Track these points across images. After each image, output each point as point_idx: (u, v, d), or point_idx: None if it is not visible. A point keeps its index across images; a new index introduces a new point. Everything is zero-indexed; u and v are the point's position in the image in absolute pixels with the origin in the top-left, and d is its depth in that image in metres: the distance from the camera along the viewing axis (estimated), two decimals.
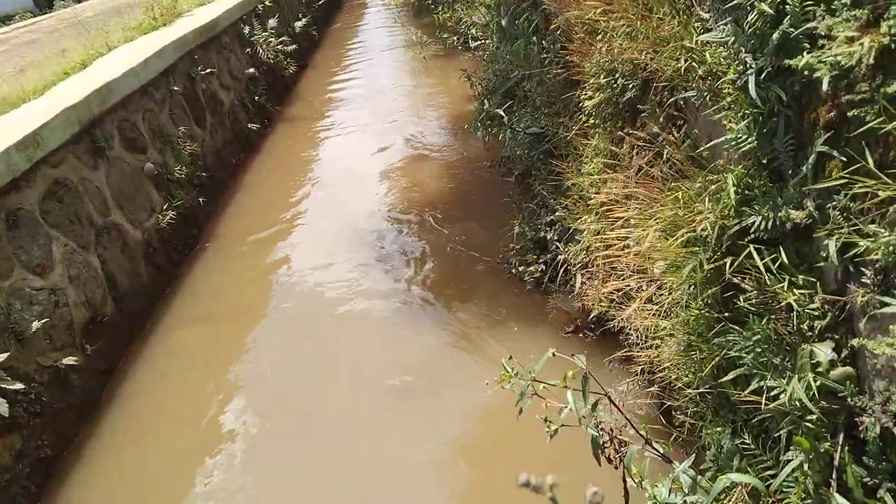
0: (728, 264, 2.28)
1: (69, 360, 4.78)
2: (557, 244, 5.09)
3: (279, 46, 10.58)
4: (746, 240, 2.29)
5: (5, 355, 4.22)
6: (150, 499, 4.25)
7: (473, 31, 9.69)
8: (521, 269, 5.45)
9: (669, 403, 3.19)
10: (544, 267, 5.25)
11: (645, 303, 3.36)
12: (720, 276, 2.38)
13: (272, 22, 10.82)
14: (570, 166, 4.64)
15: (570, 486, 3.48)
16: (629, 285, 3.33)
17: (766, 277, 2.13)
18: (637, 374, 3.55)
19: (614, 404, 2.62)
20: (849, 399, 1.95)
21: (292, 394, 4.92)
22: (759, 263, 2.13)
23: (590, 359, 4.51)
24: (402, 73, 11.97)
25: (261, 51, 10.11)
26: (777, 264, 2.17)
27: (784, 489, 2.18)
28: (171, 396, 5.09)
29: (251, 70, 9.77)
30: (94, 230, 5.65)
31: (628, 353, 3.59)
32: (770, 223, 2.17)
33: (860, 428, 1.95)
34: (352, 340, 5.44)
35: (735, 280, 2.28)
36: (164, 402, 5.04)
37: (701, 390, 2.85)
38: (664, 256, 2.65)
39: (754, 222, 2.22)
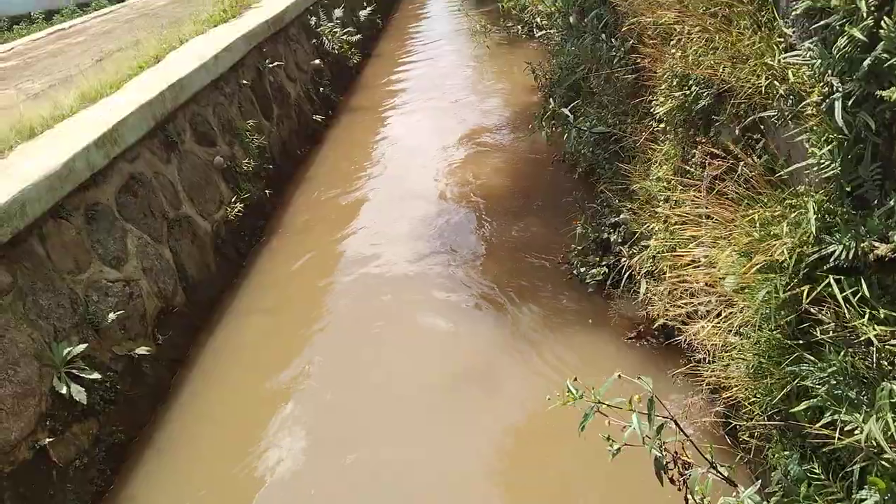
0: (805, 293, 2.21)
1: (142, 350, 4.98)
2: (621, 247, 5.01)
3: (344, 37, 10.67)
4: (826, 268, 2.21)
5: (84, 346, 4.44)
6: (216, 482, 4.41)
7: (538, 19, 9.56)
8: (582, 270, 5.40)
9: (736, 423, 3.12)
10: (607, 270, 5.18)
11: (714, 318, 3.29)
12: (796, 304, 2.31)
13: (338, 12, 10.92)
14: (637, 169, 4.56)
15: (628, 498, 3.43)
16: (698, 302, 3.25)
17: (846, 310, 2.05)
18: (702, 391, 3.48)
19: (680, 429, 2.59)
20: None
21: (347, 388, 5.01)
22: (839, 296, 2.06)
23: (652, 367, 4.49)
24: (464, 62, 11.93)
25: (326, 41, 10.22)
26: (858, 297, 2.09)
27: None
28: (232, 388, 5.25)
29: (317, 61, 9.89)
30: (166, 223, 5.84)
31: (694, 369, 3.51)
32: (852, 253, 2.09)
33: None
34: (410, 336, 5.49)
35: (812, 310, 2.21)
36: (226, 393, 5.20)
37: (769, 413, 2.78)
38: (739, 279, 2.58)
39: (834, 251, 2.14)
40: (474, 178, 7.77)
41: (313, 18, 10.20)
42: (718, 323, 3.27)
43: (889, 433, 1.92)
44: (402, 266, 6.44)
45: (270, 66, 8.32)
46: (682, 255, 3.00)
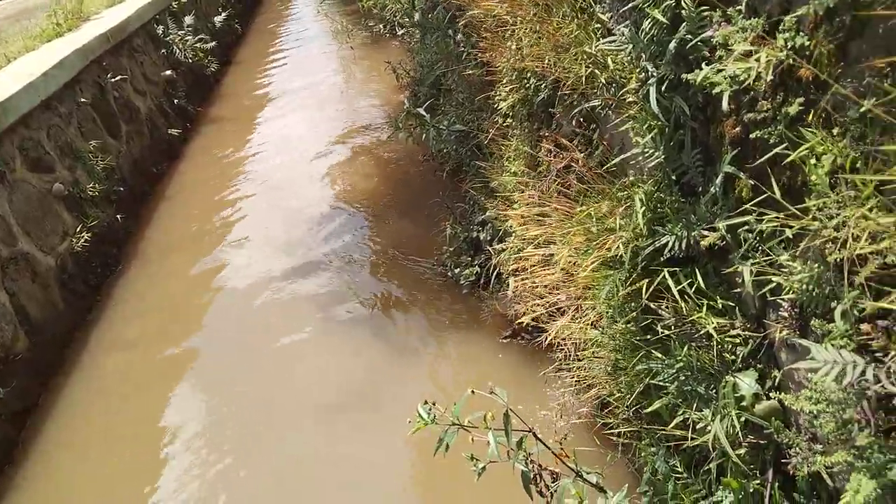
0: (644, 288, 2.11)
1: None
2: (489, 246, 4.91)
3: (198, 45, 10.09)
4: (662, 260, 2.12)
5: None
6: None
7: (399, 17, 9.41)
8: (456, 271, 5.26)
9: (602, 422, 3.04)
10: (479, 269, 5.07)
11: (573, 314, 3.20)
12: (638, 300, 2.22)
13: (189, 19, 10.32)
14: (493, 166, 4.45)
15: None
16: (556, 299, 3.15)
17: (683, 306, 1.96)
18: (571, 388, 3.40)
19: (539, 440, 2.45)
20: (775, 435, 1.81)
21: (220, 427, 4.65)
22: (674, 290, 1.96)
23: (528, 366, 4.39)
24: (330, 64, 11.58)
25: (178, 50, 9.61)
26: (694, 288, 2.01)
27: None
28: (93, 435, 4.77)
29: (168, 72, 9.29)
30: None
31: (561, 367, 3.42)
32: (684, 243, 2.01)
33: (789, 466, 1.81)
34: (287, 358, 5.18)
35: (652, 305, 2.12)
36: (87, 442, 4.71)
37: (632, 410, 2.70)
38: (583, 277, 2.47)
39: (667, 243, 2.05)
40: (346, 183, 7.50)
41: (160, 27, 9.57)
42: (576, 318, 3.18)
43: (735, 431, 1.84)
44: (276, 282, 6.10)
45: (114, 80, 7.70)
46: (529, 256, 2.88)
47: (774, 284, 1.59)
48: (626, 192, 2.20)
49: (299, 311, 5.64)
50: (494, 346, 4.68)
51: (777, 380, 1.84)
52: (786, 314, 1.63)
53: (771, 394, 1.85)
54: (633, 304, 2.26)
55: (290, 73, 11.62)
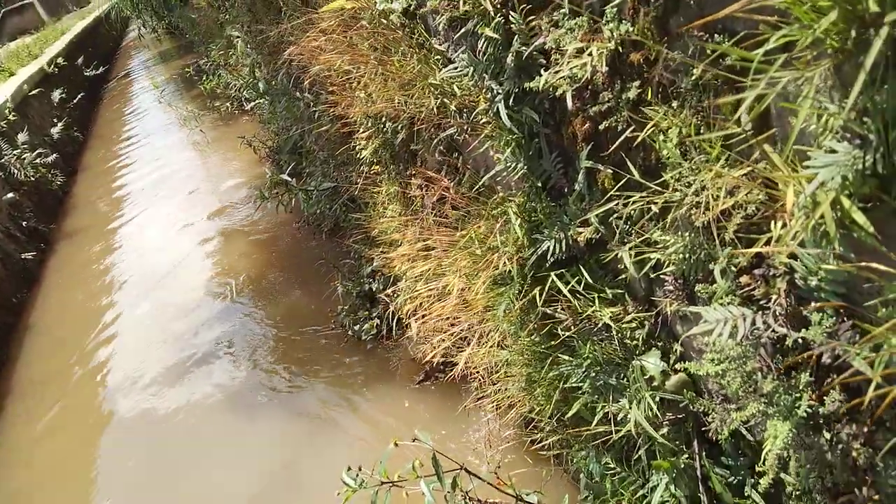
0: (538, 295, 2.14)
1: None
2: (384, 294, 4.86)
3: (37, 160, 9.54)
4: (548, 265, 2.16)
5: None
6: None
7: (245, 92, 9.32)
8: (356, 328, 5.16)
9: (530, 439, 3.03)
10: (378, 321, 5.00)
11: (478, 341, 3.21)
12: (535, 309, 2.24)
13: (22, 136, 9.74)
14: (371, 214, 4.44)
15: None
16: (457, 330, 3.15)
17: (576, 304, 2.00)
18: (494, 413, 3.38)
19: (472, 474, 2.41)
20: (691, 406, 1.86)
21: None
22: (564, 290, 2.00)
23: (448, 403, 4.35)
24: (183, 152, 11.27)
25: (16, 171, 9.04)
26: (583, 284, 2.05)
27: None
28: None
29: (10, 195, 8.70)
30: None
31: (479, 395, 3.41)
32: (563, 244, 2.06)
33: (710, 433, 1.86)
34: (196, 460, 4.87)
35: (548, 311, 2.15)
36: None
37: (556, 419, 2.71)
38: (478, 301, 2.48)
39: (548, 247, 2.10)
40: (223, 267, 7.24)
41: None
42: (481, 344, 3.19)
43: (652, 412, 1.88)
44: (167, 387, 5.75)
45: None
46: (422, 293, 2.86)
47: (654, 261, 1.64)
48: (499, 209, 2.24)
49: (196, 408, 5.34)
50: (410, 393, 4.60)
51: (679, 353, 1.90)
52: (671, 287, 1.69)
53: (677, 366, 1.91)
54: (531, 315, 2.28)
55: (143, 170, 11.20)
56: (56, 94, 12.22)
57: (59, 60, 13.36)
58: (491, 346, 3.01)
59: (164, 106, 13.72)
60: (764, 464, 1.40)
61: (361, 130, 3.53)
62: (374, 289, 5.07)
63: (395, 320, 4.60)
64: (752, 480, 1.83)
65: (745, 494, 1.85)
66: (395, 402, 4.58)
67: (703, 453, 1.91)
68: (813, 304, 1.19)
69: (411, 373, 4.70)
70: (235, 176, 9.70)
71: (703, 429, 1.92)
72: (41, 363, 6.82)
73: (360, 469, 2.40)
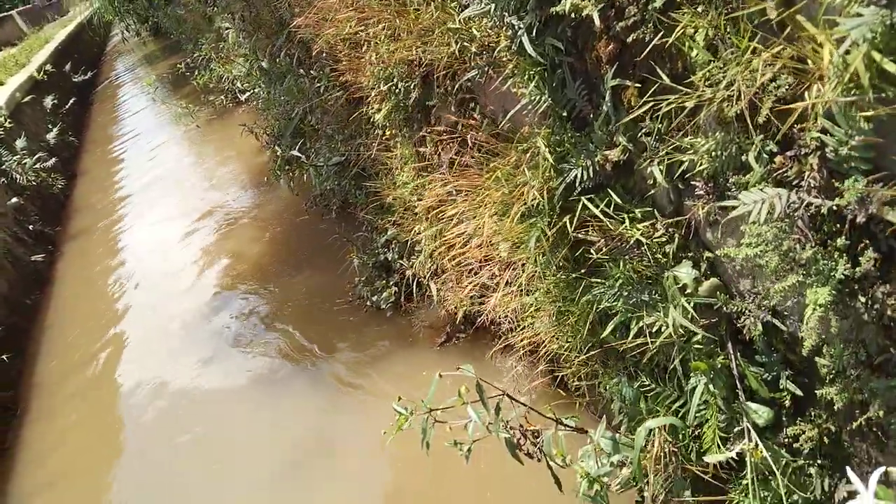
0: (568, 223, 2.24)
1: None
2: (400, 262, 4.97)
3: (37, 165, 9.59)
4: (575, 194, 2.27)
5: None
6: None
7: (239, 84, 9.36)
8: (374, 298, 5.27)
9: (561, 374, 3.15)
10: (396, 288, 5.10)
11: (504, 287, 3.31)
12: (566, 238, 2.35)
13: (20, 143, 9.79)
14: (384, 183, 4.53)
15: (504, 496, 3.33)
16: (484, 277, 3.25)
17: (607, 223, 2.10)
18: (522, 358, 3.50)
19: (514, 400, 2.52)
20: (724, 308, 1.97)
21: None
22: (597, 211, 2.11)
23: (471, 359, 4.47)
24: (181, 149, 11.33)
25: (18, 176, 9.10)
26: (612, 207, 2.16)
27: (697, 416, 2.18)
28: None
29: (14, 199, 8.77)
30: None
31: (506, 343, 3.51)
32: (590, 170, 2.16)
33: (744, 331, 1.97)
34: (226, 440, 4.97)
35: (580, 236, 2.25)
36: None
37: (586, 351, 2.83)
38: (507, 237, 2.58)
39: (576, 175, 2.20)
40: (236, 255, 7.32)
41: None
42: (508, 289, 3.29)
43: (689, 315, 1.99)
44: (192, 374, 5.83)
45: None
46: (451, 239, 2.97)
47: (683, 167, 1.75)
48: (526, 144, 2.34)
49: (225, 390, 5.44)
50: (433, 355, 4.71)
51: (709, 260, 2.01)
52: (702, 191, 1.79)
53: (707, 274, 2.02)
54: (560, 247, 2.39)
55: (140, 170, 11.25)
56: (48, 101, 12.25)
57: (48, 67, 13.36)
58: (517, 289, 3.12)
59: (156, 105, 13.75)
60: (802, 343, 1.51)
61: (373, 95, 3.61)
62: (389, 258, 5.17)
63: (414, 284, 4.70)
64: (786, 373, 1.94)
65: (780, 387, 1.96)
66: (419, 368, 4.68)
67: (738, 353, 2.02)
68: (845, 171, 1.29)
69: (433, 336, 4.81)
70: (234, 167, 9.77)
71: (737, 331, 2.04)
72: (59, 361, 6.91)
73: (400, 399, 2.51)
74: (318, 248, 6.55)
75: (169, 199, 9.62)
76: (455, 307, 4.21)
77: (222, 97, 10.40)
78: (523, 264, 2.97)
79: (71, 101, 13.47)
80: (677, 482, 2.65)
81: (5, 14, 26.71)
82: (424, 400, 2.44)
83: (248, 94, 8.96)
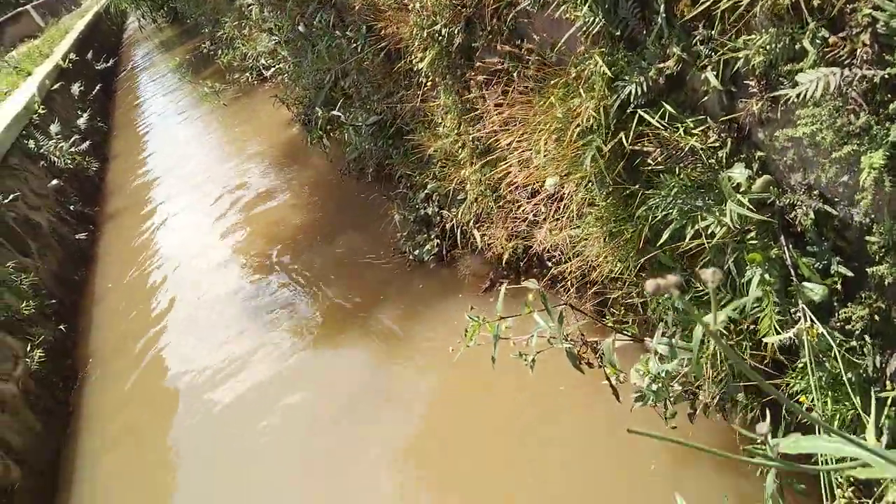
0: (624, 136, 2.40)
1: None
2: (441, 214, 5.14)
3: (73, 149, 9.87)
4: (629, 111, 2.42)
5: None
6: None
7: (263, 60, 9.53)
8: (416, 252, 5.45)
9: (612, 297, 3.32)
10: (437, 241, 5.28)
11: (551, 222, 3.48)
12: (621, 153, 2.51)
13: (54, 128, 10.07)
14: (424, 136, 4.69)
15: (563, 407, 3.53)
16: (530, 214, 3.42)
17: (663, 132, 2.26)
18: (569, 291, 3.66)
19: (575, 308, 2.70)
20: (777, 202, 2.12)
21: (253, 463, 4.64)
22: (653, 120, 2.26)
23: (516, 302, 4.67)
24: (208, 128, 11.54)
25: (56, 159, 9.38)
26: (667, 118, 2.31)
27: (753, 308, 2.34)
28: None
29: (55, 181, 9.06)
30: None
31: (552, 279, 3.68)
32: (645, 85, 2.31)
33: (795, 223, 2.13)
34: (280, 392, 5.19)
35: (636, 148, 2.41)
36: None
37: (637, 270, 2.99)
38: (557, 168, 2.74)
39: (630, 91, 2.35)
40: (272, 226, 7.53)
41: (31, 141, 9.32)
42: (555, 223, 3.46)
43: (745, 208, 2.15)
44: (242, 342, 6.02)
45: (6, 202, 7.47)
46: (504, 170, 3.13)
47: (738, 65, 1.90)
48: (579, 67, 2.49)
49: (275, 356, 5.61)
50: (478, 301, 4.88)
51: (761, 159, 2.16)
52: (755, 89, 1.94)
53: (759, 173, 2.17)
54: (617, 160, 2.55)
55: (170, 151, 11.50)
56: (75, 88, 12.53)
57: (72, 56, 13.62)
58: (567, 219, 3.29)
59: (181, 88, 13.97)
60: (859, 205, 1.67)
61: (415, 45, 3.77)
62: (429, 212, 5.34)
63: (458, 232, 4.87)
64: (837, 259, 2.10)
65: (831, 273, 2.12)
66: (464, 311, 4.86)
67: (790, 245, 2.18)
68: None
69: (476, 283, 4.99)
70: (263, 142, 9.95)
71: (788, 225, 2.19)
72: (110, 333, 7.19)
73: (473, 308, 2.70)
74: (357, 210, 6.74)
75: (200, 177, 9.84)
76: (500, 250, 4.39)
77: (247, 75, 10.59)
78: (572, 195, 3.14)
79: (96, 88, 13.74)
80: (731, 386, 2.83)
81: (21, 9, 27.04)
82: (492, 318, 2.63)
83: (273, 69, 9.14)
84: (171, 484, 4.95)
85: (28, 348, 6.09)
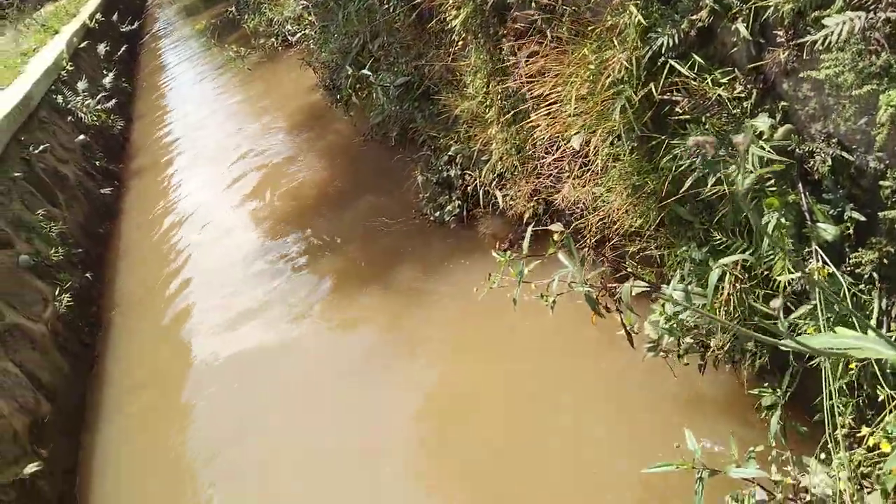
0: (654, 87, 2.53)
1: (31, 468, 4.47)
2: (464, 176, 5.27)
3: (99, 106, 10.03)
4: (659, 63, 2.54)
5: None
6: None
7: (289, 26, 9.62)
8: (437, 214, 5.59)
9: (630, 251, 3.45)
10: (459, 202, 5.41)
11: (574, 178, 3.61)
12: (649, 104, 2.63)
13: (82, 84, 10.22)
14: (451, 97, 4.81)
15: (579, 350, 3.69)
16: (554, 167, 3.55)
17: (692, 81, 2.38)
18: (588, 248, 3.80)
19: (597, 253, 2.84)
20: (797, 149, 2.25)
21: (267, 413, 4.82)
22: (683, 69, 2.38)
23: (533, 260, 4.80)
24: (231, 92, 11.65)
25: (83, 115, 9.55)
26: (696, 70, 2.43)
27: (768, 255, 2.48)
28: (141, 476, 4.86)
29: (81, 137, 9.23)
30: None
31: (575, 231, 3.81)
32: (676, 38, 2.43)
33: (813, 170, 2.26)
34: (303, 343, 5.35)
35: (664, 98, 2.54)
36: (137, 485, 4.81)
37: (657, 225, 3.13)
38: (585, 123, 2.87)
39: (662, 43, 2.47)
40: (296, 184, 7.67)
41: (59, 97, 9.48)
42: (578, 180, 3.60)
43: (765, 157, 2.28)
44: (263, 292, 6.17)
45: (36, 153, 7.65)
46: (535, 120, 3.26)
47: (769, 14, 2.02)
48: (613, 20, 2.61)
49: (301, 308, 5.76)
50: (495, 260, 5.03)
51: (784, 111, 2.28)
52: (782, 38, 2.07)
53: (781, 122, 2.30)
54: (647, 108, 2.68)
55: (192, 113, 11.59)
56: (101, 48, 12.67)
57: (98, 17, 13.76)
58: (591, 176, 3.42)
59: (205, 52, 14.09)
60: (875, 142, 1.79)
61: (450, 2, 3.88)
62: (452, 174, 5.47)
63: (481, 192, 5.00)
64: (850, 205, 2.23)
65: (844, 220, 2.25)
66: (483, 270, 4.98)
67: (807, 192, 2.31)
68: None
69: (496, 243, 5.11)
70: (286, 106, 10.04)
71: (806, 173, 2.32)
72: (134, 284, 7.37)
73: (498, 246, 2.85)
74: (378, 174, 6.88)
75: (223, 139, 9.96)
76: (521, 209, 4.53)
77: (272, 40, 10.66)
78: (598, 150, 3.27)
79: (122, 49, 13.89)
80: (742, 334, 2.97)
81: None
82: (519, 258, 2.78)
83: (298, 34, 9.25)
84: (193, 427, 5.14)
85: (56, 292, 6.28)
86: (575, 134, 3.23)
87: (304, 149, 8.45)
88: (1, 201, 6.54)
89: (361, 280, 5.69)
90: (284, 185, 7.78)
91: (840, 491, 2.15)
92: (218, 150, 9.68)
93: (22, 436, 4.73)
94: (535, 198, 4.24)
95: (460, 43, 4.24)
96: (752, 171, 2.30)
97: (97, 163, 9.38)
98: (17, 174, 7.04)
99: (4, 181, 6.85)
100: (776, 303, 1.12)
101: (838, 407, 2.13)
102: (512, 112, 3.81)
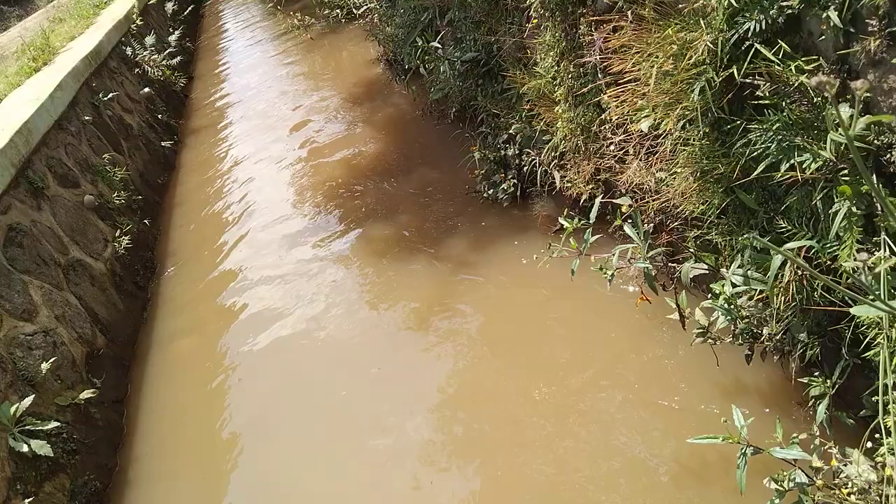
0: (736, 70, 2.57)
1: (87, 394, 4.69)
2: (522, 156, 5.33)
3: (164, 62, 10.30)
4: (744, 47, 2.59)
5: (31, 398, 4.13)
6: None
7: None
8: (491, 192, 5.66)
9: (690, 235, 3.50)
10: (515, 181, 5.48)
11: (644, 155, 3.67)
12: (728, 88, 2.68)
13: (150, 39, 10.51)
14: (519, 75, 4.88)
15: (623, 335, 3.75)
16: (620, 149, 3.61)
17: (776, 67, 2.43)
18: (649, 225, 3.85)
19: (661, 227, 2.90)
20: (875, 140, 2.29)
21: (291, 380, 4.97)
22: (769, 54, 2.43)
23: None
24: (292, 60, 11.85)
25: (149, 69, 9.82)
26: (780, 55, 2.47)
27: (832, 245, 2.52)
28: (183, 412, 5.06)
29: (146, 89, 9.50)
30: (60, 269, 5.48)
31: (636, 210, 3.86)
32: (764, 23, 2.47)
33: (890, 164, 2.29)
34: (351, 306, 5.46)
35: (746, 81, 2.58)
36: (179, 419, 5.02)
37: (721, 211, 3.17)
38: (671, 89, 2.92)
39: (749, 28, 2.52)
40: (351, 153, 7.81)
41: (129, 49, 9.76)
42: (644, 162, 3.65)
43: (842, 147, 2.32)
44: (311, 256, 6.29)
45: (105, 99, 7.91)
46: (615, 93, 3.32)
47: (861, 3, 2.06)
48: (698, 3, 2.66)
49: (344, 269, 5.90)
50: (548, 241, 5.09)
51: (866, 104, 2.32)
52: (875, 27, 2.10)
53: (862, 113, 2.33)
54: (725, 92, 2.72)
55: (252, 77, 11.83)
56: (169, 6, 12.97)
57: None
58: (657, 159, 3.47)
59: (267, 18, 14.32)
60: None
61: None
62: (510, 153, 5.54)
63: (539, 173, 5.06)
64: None
65: None
66: (534, 250, 5.04)
67: (880, 185, 2.34)
68: None
69: (549, 224, 5.19)
70: (342, 80, 10.18)
71: (881, 166, 2.36)
72: (190, 236, 7.60)
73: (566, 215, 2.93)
74: (434, 149, 6.98)
75: (281, 105, 10.15)
76: (578, 191, 4.59)
77: (337, 11, 10.80)
78: (668, 133, 3.32)
79: (188, 10, 14.20)
80: (795, 324, 3.01)
81: None
82: (587, 223, 2.85)
83: (364, 7, 9.36)
84: (229, 375, 5.31)
85: (116, 234, 6.53)
86: (644, 116, 3.29)
87: (362, 120, 8.58)
88: (71, 143, 6.80)
89: (410, 250, 5.79)
90: (339, 154, 7.92)
91: (886, 477, 2.20)
92: (274, 117, 9.88)
93: (79, 364, 4.97)
94: (596, 178, 4.30)
95: (535, 20, 4.30)
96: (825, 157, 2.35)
97: (159, 116, 9.65)
98: (87, 118, 7.30)
99: (75, 123, 7.11)
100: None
101: (893, 400, 2.17)
102: (582, 91, 3.87)
